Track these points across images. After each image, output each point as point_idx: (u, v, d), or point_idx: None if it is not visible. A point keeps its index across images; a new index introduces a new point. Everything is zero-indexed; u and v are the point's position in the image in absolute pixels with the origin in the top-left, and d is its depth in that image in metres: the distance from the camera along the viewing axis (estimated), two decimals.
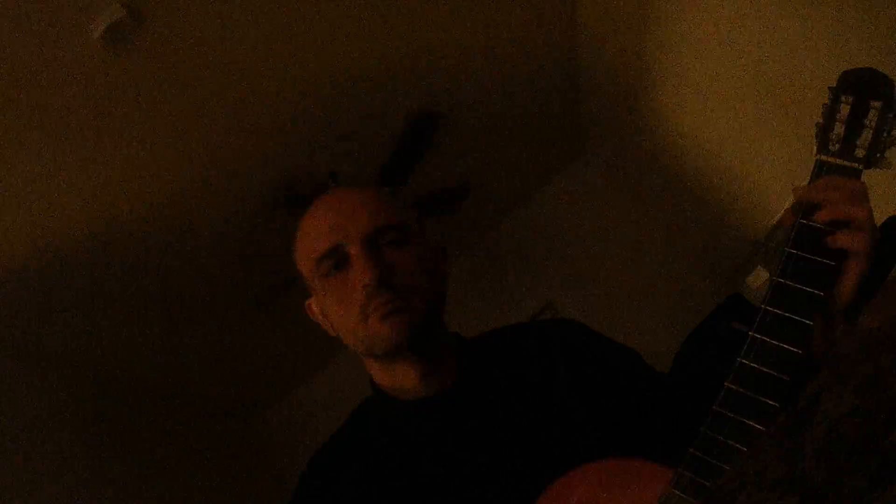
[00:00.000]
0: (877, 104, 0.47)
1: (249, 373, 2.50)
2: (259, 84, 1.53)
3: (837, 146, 0.48)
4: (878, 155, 0.47)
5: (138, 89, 1.33)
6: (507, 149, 2.51)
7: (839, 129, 0.48)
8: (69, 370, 1.81)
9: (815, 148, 0.49)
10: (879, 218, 0.52)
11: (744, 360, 0.46)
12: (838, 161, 0.48)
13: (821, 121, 0.49)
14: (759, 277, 2.06)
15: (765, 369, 0.45)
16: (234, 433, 2.61)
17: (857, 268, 0.46)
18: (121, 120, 1.36)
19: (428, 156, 1.97)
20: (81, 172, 1.41)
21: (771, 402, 0.44)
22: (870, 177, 0.48)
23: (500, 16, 1.82)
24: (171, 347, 2.08)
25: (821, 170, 0.48)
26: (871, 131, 0.47)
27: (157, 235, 1.70)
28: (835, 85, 0.50)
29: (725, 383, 0.47)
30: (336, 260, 0.60)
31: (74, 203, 1.46)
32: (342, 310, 0.60)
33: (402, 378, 0.63)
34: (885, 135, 0.47)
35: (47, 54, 1.14)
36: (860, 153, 0.47)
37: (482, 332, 0.71)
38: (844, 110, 0.48)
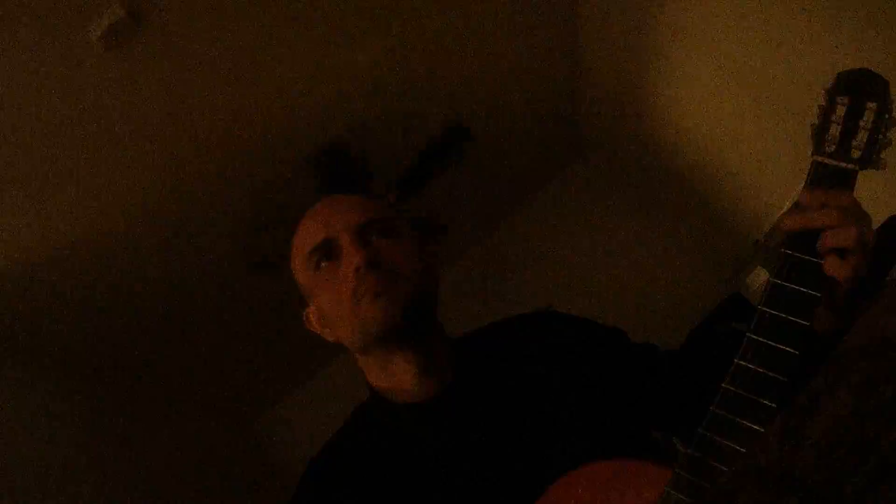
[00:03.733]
0: (872, 105, 0.48)
1: (249, 373, 2.50)
2: (260, 83, 1.53)
3: (833, 147, 0.48)
4: (874, 156, 0.47)
5: (138, 90, 1.33)
6: (506, 150, 2.50)
7: (835, 130, 0.48)
8: (69, 370, 1.81)
9: (810, 149, 0.49)
10: (879, 218, 0.52)
11: (741, 361, 0.47)
12: (834, 162, 0.48)
13: (816, 122, 0.49)
14: (759, 277, 2.06)
15: (762, 370, 0.45)
16: (234, 433, 2.61)
17: (847, 286, 0.47)
18: (121, 120, 1.36)
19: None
20: (80, 173, 1.41)
21: (768, 403, 0.45)
22: (866, 177, 0.48)
23: (500, 18, 1.82)
24: (171, 348, 2.08)
25: (817, 170, 0.49)
26: (867, 132, 0.47)
27: (157, 236, 1.70)
28: (830, 86, 0.50)
29: (722, 384, 0.47)
30: (327, 252, 0.63)
31: (73, 203, 1.46)
32: (335, 298, 0.62)
33: (399, 376, 0.63)
34: (880, 136, 0.47)
35: (47, 54, 1.14)
36: (856, 154, 0.47)
37: (467, 332, 0.71)
38: (840, 111, 0.48)
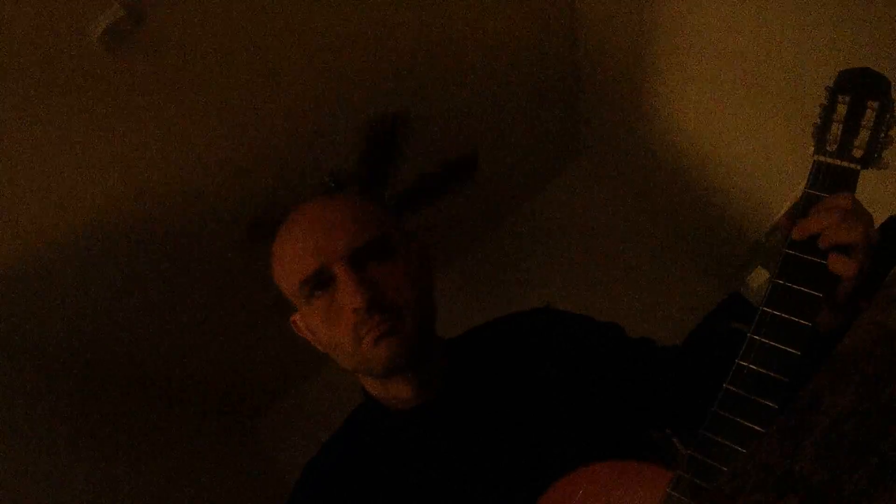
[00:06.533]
0: (874, 104, 0.47)
1: (249, 373, 2.50)
2: (259, 83, 1.53)
3: (835, 146, 0.48)
4: (876, 155, 0.47)
5: (138, 89, 1.33)
6: (506, 148, 2.50)
7: (836, 129, 0.48)
8: (68, 370, 1.81)
9: (812, 148, 0.49)
10: (879, 218, 0.52)
11: (742, 362, 0.46)
12: (835, 161, 0.48)
13: (818, 121, 0.49)
14: (759, 277, 2.06)
15: (763, 370, 0.45)
16: (234, 433, 2.61)
17: (850, 285, 0.46)
18: (120, 120, 1.36)
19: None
20: (80, 172, 1.41)
21: (769, 404, 0.44)
22: (867, 176, 0.48)
23: (499, 15, 1.82)
24: (171, 347, 2.08)
25: (818, 170, 0.48)
26: (869, 131, 0.47)
27: (157, 235, 1.70)
28: (832, 85, 0.50)
29: (724, 385, 0.47)
30: (320, 282, 0.58)
31: (73, 202, 1.46)
32: (332, 331, 0.58)
33: (395, 390, 0.62)
34: (882, 135, 0.47)
35: (47, 54, 1.14)
36: (858, 153, 0.47)
37: (462, 332, 0.70)
38: (842, 110, 0.48)
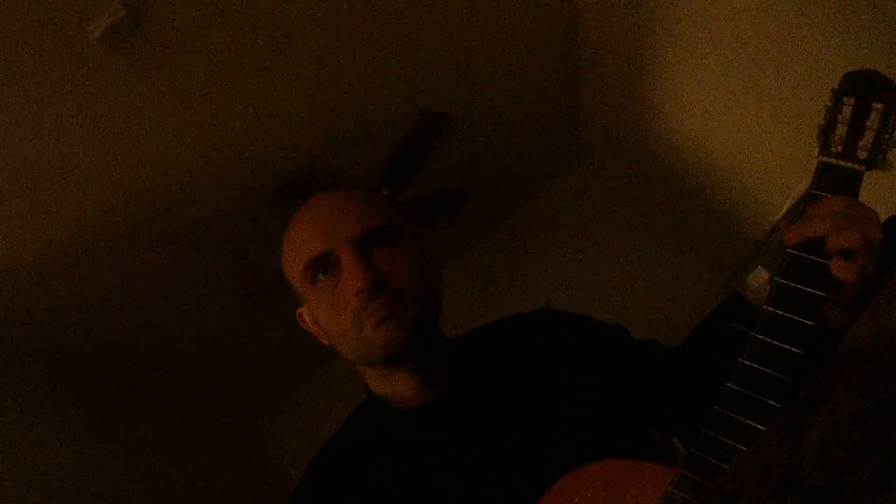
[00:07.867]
0: (879, 106, 0.48)
1: (252, 371, 2.50)
2: (259, 83, 1.53)
3: (839, 147, 0.48)
4: (880, 157, 0.47)
5: (138, 89, 1.33)
6: (506, 150, 2.50)
7: (841, 130, 0.48)
8: (69, 370, 1.81)
9: (816, 149, 0.49)
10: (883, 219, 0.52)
11: (745, 361, 0.47)
12: (840, 162, 0.48)
13: (823, 122, 0.49)
14: (759, 277, 2.06)
15: (766, 370, 0.45)
16: (237, 432, 2.61)
17: (855, 286, 0.46)
18: (120, 120, 1.36)
19: (429, 158, 1.96)
20: (80, 171, 1.41)
21: (772, 403, 0.45)
22: (871, 178, 0.48)
23: (500, 18, 1.82)
24: (173, 346, 2.08)
25: (823, 171, 0.49)
26: (873, 133, 0.47)
27: (157, 234, 1.70)
28: (837, 86, 0.50)
29: (727, 384, 0.47)
30: (325, 265, 0.59)
31: (73, 201, 1.46)
32: (334, 317, 0.59)
33: (398, 386, 0.62)
34: (886, 136, 0.47)
35: (47, 54, 1.14)
36: (862, 154, 0.48)
37: (464, 332, 0.70)
38: (846, 112, 0.48)
